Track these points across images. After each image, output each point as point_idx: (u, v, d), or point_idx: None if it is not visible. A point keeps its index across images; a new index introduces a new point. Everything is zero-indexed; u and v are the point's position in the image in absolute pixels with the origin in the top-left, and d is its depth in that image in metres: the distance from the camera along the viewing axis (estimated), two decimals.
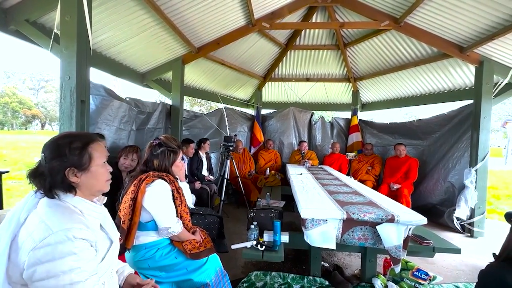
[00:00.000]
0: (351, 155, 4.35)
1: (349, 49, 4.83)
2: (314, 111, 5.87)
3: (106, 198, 1.01)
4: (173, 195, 1.46)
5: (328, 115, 6.01)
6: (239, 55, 4.64)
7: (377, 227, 1.75)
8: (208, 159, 4.01)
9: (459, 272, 2.44)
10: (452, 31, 3.26)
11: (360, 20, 3.93)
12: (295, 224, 3.48)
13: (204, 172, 3.83)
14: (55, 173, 0.81)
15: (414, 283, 2.08)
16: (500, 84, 3.38)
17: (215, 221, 2.12)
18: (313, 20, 4.39)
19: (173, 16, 3.06)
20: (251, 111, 6.11)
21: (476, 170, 3.41)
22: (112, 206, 1.40)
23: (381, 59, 4.63)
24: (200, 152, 3.79)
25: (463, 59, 3.44)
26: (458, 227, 3.51)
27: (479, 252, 2.88)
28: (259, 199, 2.94)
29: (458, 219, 3.51)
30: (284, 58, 5.22)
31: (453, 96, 4.21)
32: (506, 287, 1.23)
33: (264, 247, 1.84)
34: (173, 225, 1.40)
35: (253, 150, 5.55)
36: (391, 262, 1.83)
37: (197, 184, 3.34)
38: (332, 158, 4.99)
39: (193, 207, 2.36)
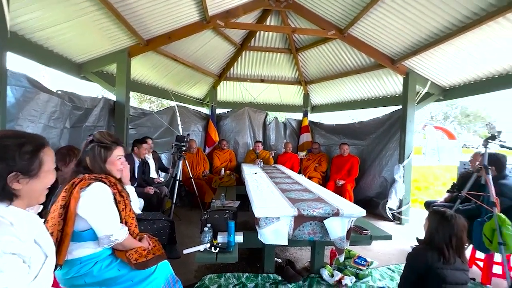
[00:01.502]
0: (302, 154, 4.60)
1: (301, 53, 5.10)
2: (268, 112, 6.04)
3: (41, 207, 0.90)
4: (115, 198, 1.31)
5: (282, 116, 6.24)
6: (193, 51, 4.47)
7: (324, 221, 1.88)
8: (156, 159, 3.76)
9: (391, 256, 2.80)
10: (386, 45, 3.72)
11: (310, 27, 4.18)
12: (249, 223, 3.51)
13: (153, 174, 3.57)
14: None
15: (355, 269, 2.30)
16: (421, 93, 4.00)
17: (166, 226, 2.00)
18: (267, 23, 4.50)
19: (117, 3, 2.76)
20: (205, 110, 5.96)
21: (403, 166, 3.96)
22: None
23: (328, 65, 5.01)
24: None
25: (393, 70, 3.96)
26: (390, 216, 4.02)
27: (406, 237, 3.35)
28: (213, 200, 2.88)
29: (390, 209, 4.03)
30: (239, 58, 5.24)
31: (386, 102, 4.80)
32: (427, 264, 1.48)
33: (218, 249, 1.80)
34: (115, 231, 1.25)
35: (207, 150, 5.42)
36: (337, 253, 1.99)
37: (150, 189, 3.08)
38: (285, 157, 5.20)
39: (140, 212, 2.19)
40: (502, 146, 2.09)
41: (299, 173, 4.59)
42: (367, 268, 2.31)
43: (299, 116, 6.20)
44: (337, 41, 4.29)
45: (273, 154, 5.07)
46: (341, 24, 3.80)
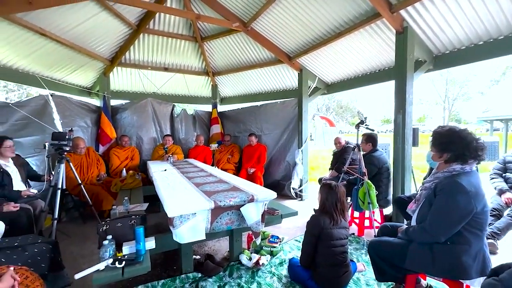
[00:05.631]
0: (214, 146, 4.56)
1: (207, 43, 4.96)
2: (175, 104, 5.62)
3: None
4: None
5: (190, 108, 5.95)
6: (71, 27, 3.53)
7: (241, 209, 1.92)
8: (21, 165, 2.81)
9: (297, 229, 3.21)
10: (283, 42, 4.11)
11: (215, 16, 4.10)
12: (162, 224, 3.22)
13: (18, 185, 2.66)
14: None
15: (269, 248, 2.50)
16: (311, 87, 4.68)
17: (44, 250, 1.54)
18: (168, 5, 4.10)
19: None
20: (95, 102, 4.95)
21: (302, 151, 4.59)
22: None
23: (234, 58, 5.11)
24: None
25: (290, 65, 4.45)
26: (293, 194, 4.61)
27: (307, 210, 3.92)
28: (114, 207, 2.44)
29: (293, 188, 4.61)
30: (137, 41, 4.58)
31: (286, 95, 5.30)
32: (319, 226, 1.77)
33: (124, 262, 1.54)
34: None
35: (102, 149, 4.55)
36: (253, 236, 2.09)
37: (11, 206, 2.27)
38: (197, 150, 5.03)
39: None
40: (367, 128, 2.73)
41: (212, 165, 4.54)
42: (279, 244, 2.56)
43: (208, 108, 6.09)
44: (242, 34, 4.41)
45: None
46: (245, 18, 3.92)
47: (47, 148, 2.61)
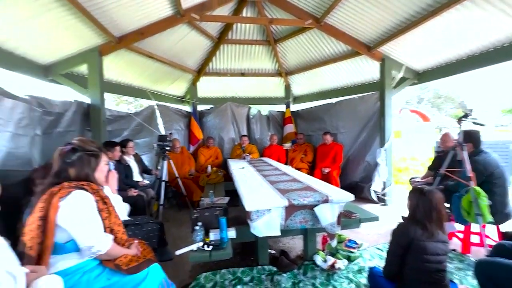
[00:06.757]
0: (287, 145, 4.62)
1: (279, 45, 5.07)
2: (251, 106, 6.00)
3: None
4: (97, 206, 1.25)
5: (265, 109, 6.22)
6: (169, 47, 4.30)
7: (314, 209, 1.91)
8: (139, 161, 3.60)
9: (378, 236, 2.91)
10: (361, 32, 3.78)
11: (287, 17, 4.15)
12: (241, 217, 3.50)
13: (137, 177, 3.43)
14: None
15: (346, 252, 2.37)
16: (396, 78, 4.12)
17: (155, 229, 1.94)
18: (243, 15, 4.42)
19: (84, 2, 2.59)
20: (187, 108, 5.82)
21: (385, 150, 4.11)
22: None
23: (307, 55, 5.03)
24: (125, 157, 3.33)
25: (370, 56, 4.04)
26: (375, 198, 4.17)
27: (391, 217, 3.50)
28: (202, 199, 2.84)
29: (374, 191, 4.18)
30: (218, 52, 5.12)
31: (365, 89, 4.83)
32: (408, 236, 1.56)
33: (211, 246, 1.78)
34: (97, 243, 1.20)
35: (192, 148, 5.31)
36: (328, 238, 2.04)
37: (133, 192, 2.96)
38: (271, 149, 5.22)
39: (128, 218, 2.11)
40: (474, 123, 2.21)
41: (285, 164, 4.62)
42: (358, 250, 2.39)
43: (282, 108, 6.21)
44: (314, 31, 4.30)
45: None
46: (317, 13, 3.81)
47: (155, 148, 3.27)
